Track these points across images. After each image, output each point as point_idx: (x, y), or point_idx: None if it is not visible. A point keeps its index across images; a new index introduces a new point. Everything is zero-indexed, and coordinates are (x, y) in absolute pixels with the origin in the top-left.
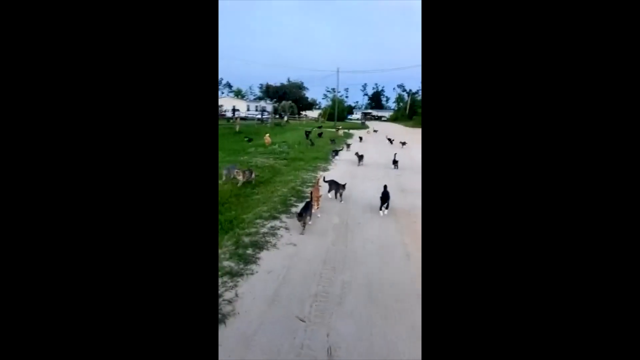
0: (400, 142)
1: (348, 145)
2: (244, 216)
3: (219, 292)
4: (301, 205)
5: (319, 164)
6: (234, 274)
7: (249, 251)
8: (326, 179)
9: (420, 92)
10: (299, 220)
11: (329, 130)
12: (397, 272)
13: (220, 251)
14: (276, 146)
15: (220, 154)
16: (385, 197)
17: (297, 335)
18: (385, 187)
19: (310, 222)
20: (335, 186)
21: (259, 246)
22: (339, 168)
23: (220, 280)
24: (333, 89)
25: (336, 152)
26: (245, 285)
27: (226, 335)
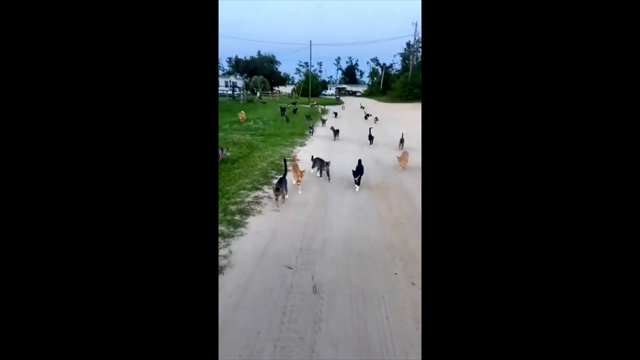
0: (375, 118)
1: (324, 121)
2: (228, 188)
3: None
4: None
5: (295, 139)
6: (225, 236)
7: (237, 217)
8: (314, 157)
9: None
10: (276, 195)
11: (303, 106)
12: (369, 228)
13: None
14: (251, 123)
15: None
16: (358, 171)
17: (286, 279)
18: (359, 161)
19: (287, 197)
20: (320, 163)
21: (245, 213)
22: (316, 143)
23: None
24: (306, 63)
25: (312, 129)
26: (236, 244)
27: (224, 282)
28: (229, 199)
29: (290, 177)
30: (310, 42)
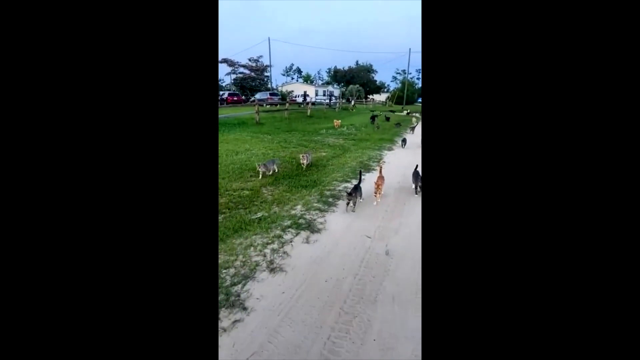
0: None
1: (413, 129)
2: (324, 178)
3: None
4: (368, 175)
5: (384, 144)
6: (321, 211)
7: (330, 199)
8: (415, 169)
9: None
10: (348, 200)
11: (397, 114)
12: None
13: (310, 197)
14: (344, 128)
15: (297, 135)
16: (416, 176)
17: (365, 244)
18: (416, 166)
19: (362, 200)
20: (417, 177)
21: (336, 197)
22: (402, 150)
23: (314, 213)
24: (403, 71)
25: (404, 142)
26: (329, 218)
27: (322, 239)
28: (324, 186)
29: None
30: (410, 49)
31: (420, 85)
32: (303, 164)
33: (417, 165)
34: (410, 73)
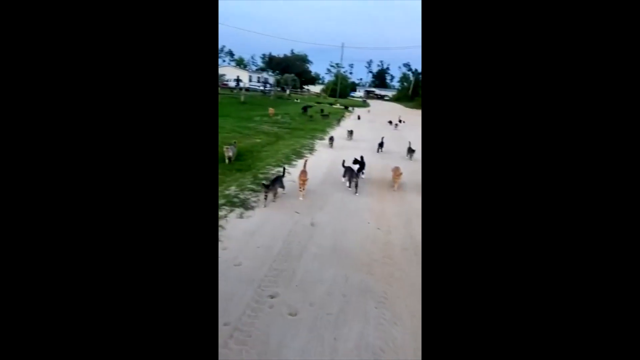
0: (395, 124)
1: (338, 121)
2: (258, 163)
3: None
4: (299, 162)
5: (316, 134)
6: (255, 191)
7: (264, 182)
8: (345, 164)
9: None
10: (265, 192)
11: (329, 106)
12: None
13: (244, 180)
14: (279, 117)
15: (230, 120)
16: (361, 165)
17: (294, 217)
18: (362, 157)
19: (284, 192)
20: (350, 173)
21: (269, 179)
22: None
23: (247, 193)
24: (337, 64)
25: (331, 140)
26: (262, 197)
27: (253, 216)
28: (258, 170)
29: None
30: (343, 44)
31: (352, 80)
32: (230, 156)
33: (344, 161)
34: (344, 67)
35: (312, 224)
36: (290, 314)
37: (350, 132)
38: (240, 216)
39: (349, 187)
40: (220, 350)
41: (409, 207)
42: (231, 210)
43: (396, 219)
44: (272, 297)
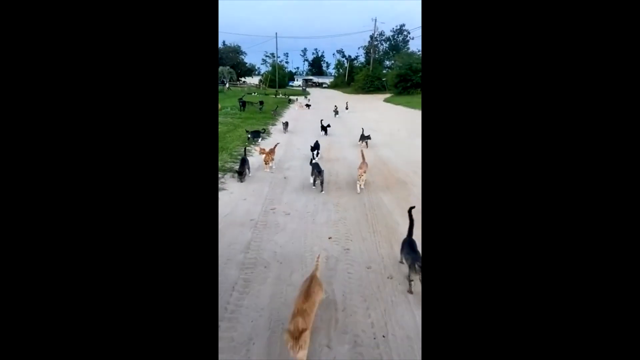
0: (335, 112)
1: (275, 109)
2: (228, 145)
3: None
4: (261, 143)
5: (267, 121)
6: (225, 170)
7: (238, 157)
8: (312, 161)
9: (358, 59)
10: (240, 175)
11: (271, 97)
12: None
13: (224, 156)
14: (228, 109)
15: None
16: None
17: (269, 175)
18: (316, 142)
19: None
20: (317, 170)
21: (238, 156)
22: (289, 115)
23: (232, 164)
24: (272, 54)
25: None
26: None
27: (232, 180)
28: (232, 149)
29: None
30: (276, 33)
31: (289, 69)
32: None
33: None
34: (279, 57)
35: (285, 177)
36: (286, 213)
37: (286, 124)
38: (233, 176)
39: (314, 185)
40: (251, 231)
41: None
42: (225, 174)
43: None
44: (272, 209)
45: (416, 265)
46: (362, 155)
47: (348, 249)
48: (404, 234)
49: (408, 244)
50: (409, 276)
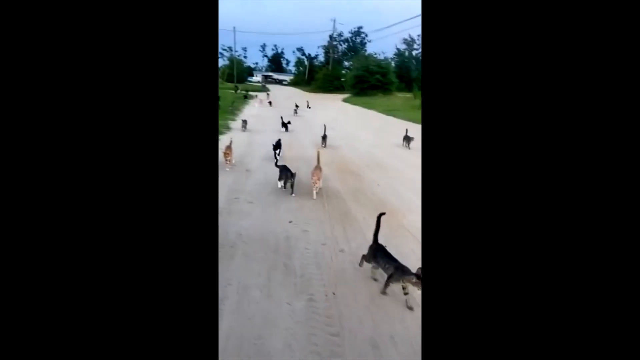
0: (294, 110)
1: (232, 104)
2: None
3: None
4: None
5: (227, 116)
6: None
7: None
8: (278, 164)
9: (318, 57)
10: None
11: (230, 92)
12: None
13: None
14: None
15: None
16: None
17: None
18: (279, 140)
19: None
20: (286, 174)
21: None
22: (249, 112)
23: None
24: (230, 48)
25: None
26: None
27: None
28: None
29: None
30: (234, 27)
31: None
32: None
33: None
34: (237, 51)
35: (247, 170)
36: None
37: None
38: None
39: (284, 188)
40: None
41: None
42: None
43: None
44: (236, 198)
45: (404, 276)
46: (318, 158)
47: (307, 231)
48: (356, 218)
49: (383, 252)
50: (387, 284)
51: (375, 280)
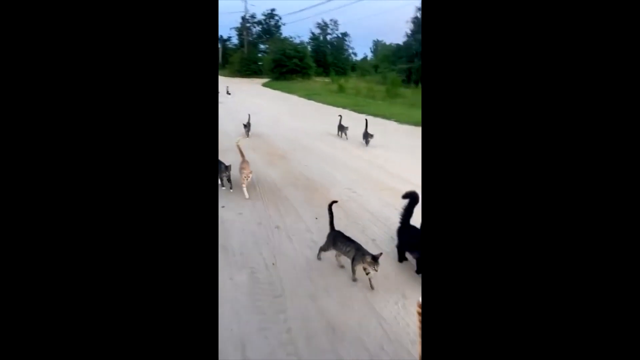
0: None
1: None
2: None
3: None
4: None
5: None
6: None
7: None
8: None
9: (231, 40)
10: None
11: None
12: None
13: None
14: None
15: None
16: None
17: None
18: None
19: None
20: (219, 168)
21: None
22: None
23: None
24: None
25: None
26: None
27: None
28: None
29: None
30: None
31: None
32: None
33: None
34: None
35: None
36: None
37: None
38: None
39: (222, 185)
40: None
41: None
42: None
43: None
44: None
45: (367, 257)
46: (241, 152)
47: (241, 213)
48: (288, 197)
49: (342, 237)
50: (354, 269)
51: (342, 267)
